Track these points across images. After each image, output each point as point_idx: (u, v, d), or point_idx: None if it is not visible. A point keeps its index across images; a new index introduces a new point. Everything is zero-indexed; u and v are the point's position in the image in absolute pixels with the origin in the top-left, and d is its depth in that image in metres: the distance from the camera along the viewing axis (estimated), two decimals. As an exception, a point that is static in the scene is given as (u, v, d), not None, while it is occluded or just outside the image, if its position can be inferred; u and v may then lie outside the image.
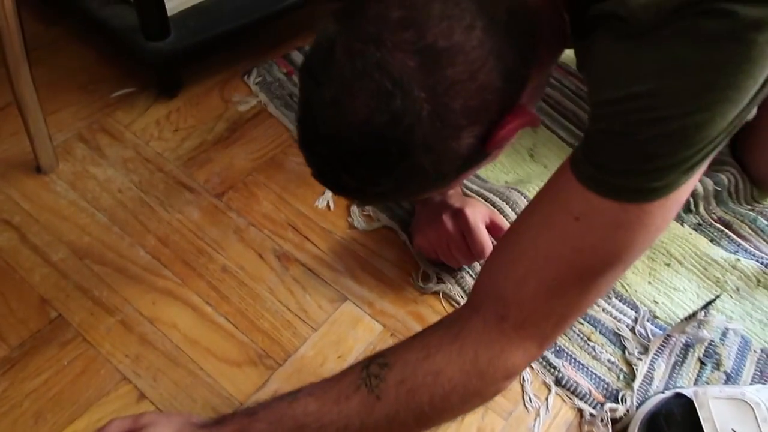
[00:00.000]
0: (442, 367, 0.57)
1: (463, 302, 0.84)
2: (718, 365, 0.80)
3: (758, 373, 0.81)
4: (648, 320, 0.84)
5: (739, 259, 0.89)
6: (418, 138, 0.50)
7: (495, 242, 0.83)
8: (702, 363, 0.81)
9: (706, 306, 0.83)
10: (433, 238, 0.84)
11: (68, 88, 1.05)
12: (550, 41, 0.56)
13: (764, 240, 0.95)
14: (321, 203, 0.94)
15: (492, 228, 0.82)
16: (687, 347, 0.82)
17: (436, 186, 0.59)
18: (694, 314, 0.82)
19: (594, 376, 0.79)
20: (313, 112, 0.53)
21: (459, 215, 0.81)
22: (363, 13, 0.50)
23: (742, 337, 0.83)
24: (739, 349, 0.82)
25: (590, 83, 0.54)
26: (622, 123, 0.50)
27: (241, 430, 0.60)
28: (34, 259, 0.84)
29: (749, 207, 0.98)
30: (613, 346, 0.81)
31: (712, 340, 0.81)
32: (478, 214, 0.81)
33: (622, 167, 0.51)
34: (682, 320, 0.82)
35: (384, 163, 0.52)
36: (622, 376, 0.79)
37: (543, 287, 0.56)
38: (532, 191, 0.93)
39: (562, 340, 0.81)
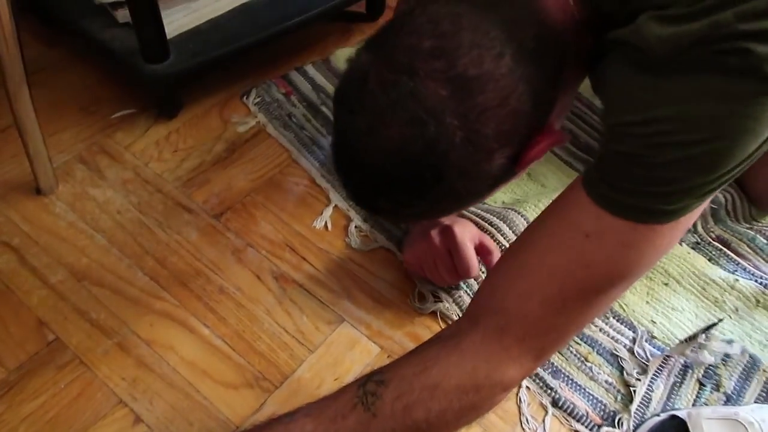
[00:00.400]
0: (439, 381, 0.57)
1: (460, 322, 0.84)
2: (717, 386, 0.80)
3: (764, 394, 0.79)
4: (646, 340, 0.83)
5: (737, 279, 0.89)
6: (452, 163, 0.52)
7: (482, 263, 0.84)
8: (701, 384, 0.80)
9: (708, 329, 0.82)
10: (420, 254, 0.84)
11: (69, 109, 1.06)
12: (575, 63, 0.57)
13: (763, 259, 0.94)
14: (319, 224, 0.95)
15: (480, 249, 0.83)
16: (686, 368, 0.81)
17: (467, 204, 0.61)
18: (694, 336, 0.81)
19: (591, 397, 0.78)
20: (348, 139, 0.55)
21: (447, 232, 0.81)
22: (395, 44, 0.52)
23: (751, 356, 0.82)
24: (744, 370, 0.81)
25: (607, 106, 0.55)
26: (640, 145, 0.51)
27: None
28: (33, 281, 0.85)
29: (747, 225, 0.98)
30: (610, 367, 0.81)
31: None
32: (466, 233, 0.81)
33: (637, 188, 0.52)
34: (681, 342, 0.82)
35: (419, 188, 0.54)
36: (619, 398, 0.79)
37: (547, 302, 0.56)
38: (529, 211, 0.93)
39: (559, 361, 0.81)
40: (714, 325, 0.83)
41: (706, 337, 0.81)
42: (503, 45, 0.51)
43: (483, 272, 0.87)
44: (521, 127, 0.53)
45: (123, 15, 1.00)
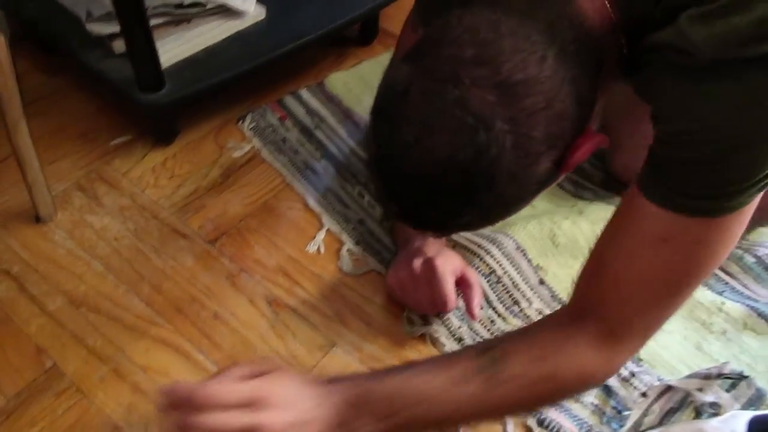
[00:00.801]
0: (557, 370, 0.63)
1: (449, 343, 0.86)
2: (715, 415, 0.80)
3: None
4: (636, 364, 0.84)
5: (724, 302, 0.90)
6: (503, 169, 0.52)
7: (461, 295, 0.85)
8: (698, 412, 0.80)
9: (721, 375, 0.82)
10: (403, 280, 0.86)
11: (68, 137, 1.09)
12: (612, 66, 0.58)
13: (752, 278, 0.95)
14: (312, 248, 0.97)
15: (460, 282, 0.84)
16: (686, 395, 0.81)
17: (513, 211, 0.62)
18: (708, 376, 0.82)
19: (577, 418, 0.79)
20: (392, 153, 0.54)
21: (429, 264, 0.83)
22: (436, 55, 0.53)
23: (758, 389, 0.81)
24: (748, 401, 0.80)
25: (660, 113, 0.56)
26: (701, 152, 0.53)
27: (363, 394, 0.63)
28: (32, 309, 0.87)
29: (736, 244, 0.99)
30: (597, 389, 0.82)
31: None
32: (448, 266, 0.82)
33: (704, 192, 0.55)
34: (688, 376, 0.82)
35: (469, 196, 0.54)
36: (605, 420, 0.80)
37: (643, 306, 0.62)
38: (518, 232, 0.95)
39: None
40: (726, 375, 0.83)
41: (718, 374, 0.82)
42: (545, 48, 0.52)
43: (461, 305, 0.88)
44: (566, 129, 0.54)
45: (119, 46, 1.02)
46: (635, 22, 0.55)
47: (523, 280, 0.92)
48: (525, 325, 0.81)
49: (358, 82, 1.21)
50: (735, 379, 0.81)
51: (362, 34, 1.28)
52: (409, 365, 0.64)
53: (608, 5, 0.55)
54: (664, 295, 0.61)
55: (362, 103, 1.17)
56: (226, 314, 0.88)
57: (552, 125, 0.53)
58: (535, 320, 0.76)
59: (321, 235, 0.98)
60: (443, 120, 0.51)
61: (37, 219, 0.97)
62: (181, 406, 0.58)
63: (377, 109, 0.56)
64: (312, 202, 1.02)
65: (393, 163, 0.55)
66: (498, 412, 0.66)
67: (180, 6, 1.06)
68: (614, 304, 0.63)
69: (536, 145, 0.53)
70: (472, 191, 0.53)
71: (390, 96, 0.55)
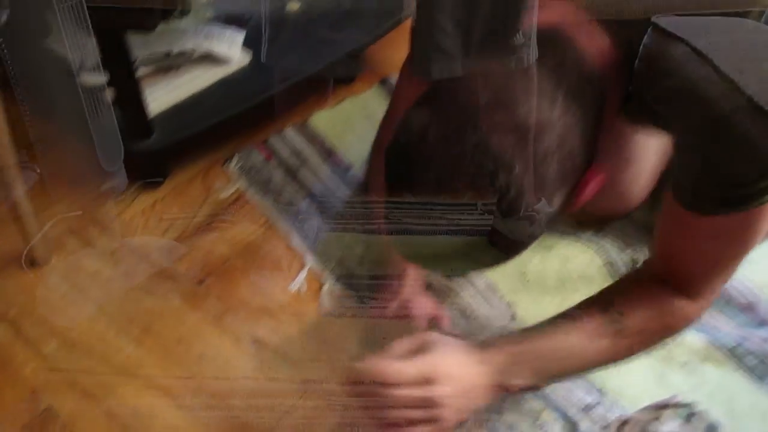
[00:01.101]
0: (667, 324, 0.74)
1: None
2: None
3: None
4: (599, 394, 0.88)
5: (686, 334, 0.94)
6: (522, 210, 0.55)
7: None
8: None
9: (677, 405, 0.87)
10: (378, 323, 0.90)
11: (63, 181, 1.14)
12: (613, 102, 0.62)
13: (714, 310, 0.99)
14: (294, 286, 1.01)
15: (433, 325, 0.88)
16: (645, 426, 0.85)
17: (524, 249, 0.66)
18: (663, 406, 0.86)
19: (543, 453, 0.84)
20: (412, 195, 0.56)
21: (403, 307, 0.87)
22: (452, 102, 0.56)
23: (709, 423, 0.85)
24: None
25: (682, 142, 0.63)
26: (740, 174, 0.59)
27: (516, 356, 0.71)
28: (27, 353, 0.91)
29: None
30: (562, 422, 0.86)
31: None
32: (420, 310, 0.87)
33: (745, 201, 0.61)
34: (644, 408, 0.87)
35: (488, 238, 0.57)
36: (570, 453, 0.84)
37: (710, 279, 0.72)
38: (489, 270, 0.99)
39: (513, 417, 0.86)
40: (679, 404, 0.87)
41: (672, 405, 0.86)
42: (554, 89, 0.55)
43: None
44: (577, 166, 0.58)
45: (110, 95, 1.07)
46: (634, 56, 0.59)
47: (496, 316, 0.96)
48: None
49: (341, 120, 1.26)
50: (688, 409, 0.86)
51: (345, 72, 1.33)
52: (545, 326, 0.73)
53: (608, 43, 0.60)
54: (724, 268, 0.72)
55: (344, 141, 1.22)
56: (211, 354, 0.93)
57: (564, 164, 0.56)
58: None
59: (303, 275, 1.02)
60: (464, 164, 0.53)
61: (32, 263, 1.01)
62: (366, 381, 0.68)
63: (393, 153, 0.58)
64: (295, 242, 1.07)
65: (412, 206, 0.57)
66: (623, 358, 0.76)
67: (168, 55, 1.12)
68: (686, 280, 0.73)
69: (551, 184, 0.56)
70: (491, 233, 0.56)
71: (407, 142, 0.57)
